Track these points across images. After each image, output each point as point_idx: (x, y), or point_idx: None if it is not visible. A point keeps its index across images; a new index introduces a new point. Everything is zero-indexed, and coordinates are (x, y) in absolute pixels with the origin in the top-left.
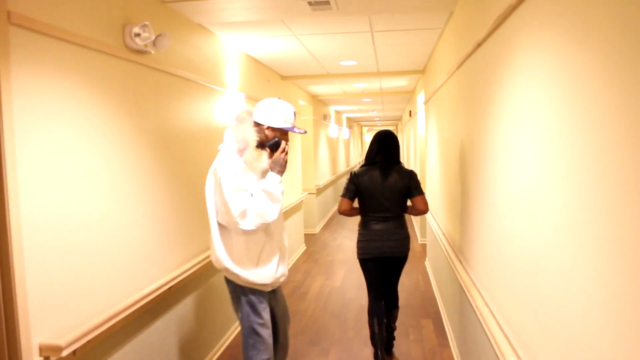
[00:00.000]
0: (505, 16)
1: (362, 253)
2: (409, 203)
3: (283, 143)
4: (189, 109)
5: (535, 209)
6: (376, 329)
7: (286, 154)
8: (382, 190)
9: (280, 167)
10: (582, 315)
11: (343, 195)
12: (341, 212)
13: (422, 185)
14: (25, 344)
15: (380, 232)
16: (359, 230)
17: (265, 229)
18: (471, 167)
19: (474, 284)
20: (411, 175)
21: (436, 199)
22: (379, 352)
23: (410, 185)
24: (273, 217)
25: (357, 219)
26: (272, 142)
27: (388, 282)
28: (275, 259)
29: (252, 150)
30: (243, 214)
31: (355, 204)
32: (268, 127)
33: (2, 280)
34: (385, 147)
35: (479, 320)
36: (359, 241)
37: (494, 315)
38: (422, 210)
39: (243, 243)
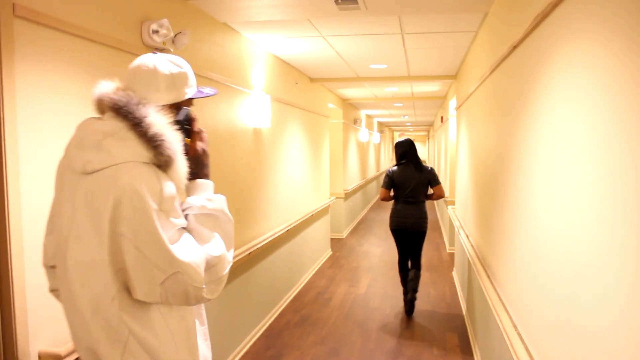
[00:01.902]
0: (545, 15)
1: (393, 225)
2: (429, 191)
3: (196, 123)
4: (211, 109)
5: (576, 229)
6: (402, 275)
7: (203, 140)
8: (410, 182)
9: (207, 166)
10: (624, 348)
11: (383, 186)
12: (382, 198)
13: (452, 194)
14: (24, 351)
15: (406, 212)
16: (392, 209)
17: None
18: (503, 178)
19: (502, 302)
20: (431, 171)
21: (465, 209)
22: (406, 289)
23: (431, 179)
24: (232, 255)
25: (384, 226)
26: (182, 118)
27: (412, 252)
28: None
29: (183, 160)
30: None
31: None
32: (171, 106)
33: (0, 284)
34: (410, 151)
35: (507, 344)
36: (391, 217)
37: (522, 341)
38: (441, 195)
39: (189, 321)
